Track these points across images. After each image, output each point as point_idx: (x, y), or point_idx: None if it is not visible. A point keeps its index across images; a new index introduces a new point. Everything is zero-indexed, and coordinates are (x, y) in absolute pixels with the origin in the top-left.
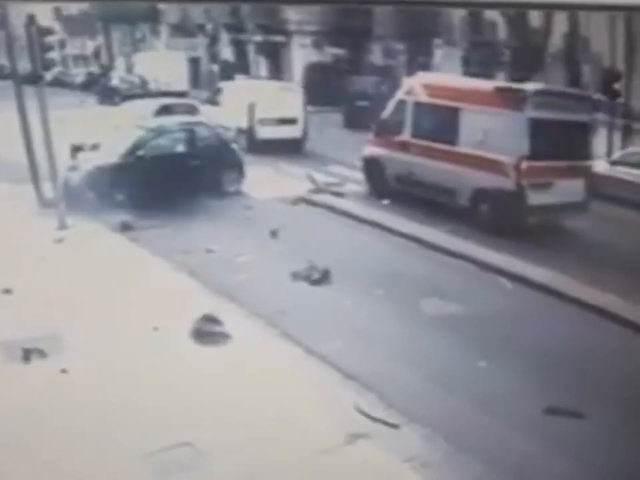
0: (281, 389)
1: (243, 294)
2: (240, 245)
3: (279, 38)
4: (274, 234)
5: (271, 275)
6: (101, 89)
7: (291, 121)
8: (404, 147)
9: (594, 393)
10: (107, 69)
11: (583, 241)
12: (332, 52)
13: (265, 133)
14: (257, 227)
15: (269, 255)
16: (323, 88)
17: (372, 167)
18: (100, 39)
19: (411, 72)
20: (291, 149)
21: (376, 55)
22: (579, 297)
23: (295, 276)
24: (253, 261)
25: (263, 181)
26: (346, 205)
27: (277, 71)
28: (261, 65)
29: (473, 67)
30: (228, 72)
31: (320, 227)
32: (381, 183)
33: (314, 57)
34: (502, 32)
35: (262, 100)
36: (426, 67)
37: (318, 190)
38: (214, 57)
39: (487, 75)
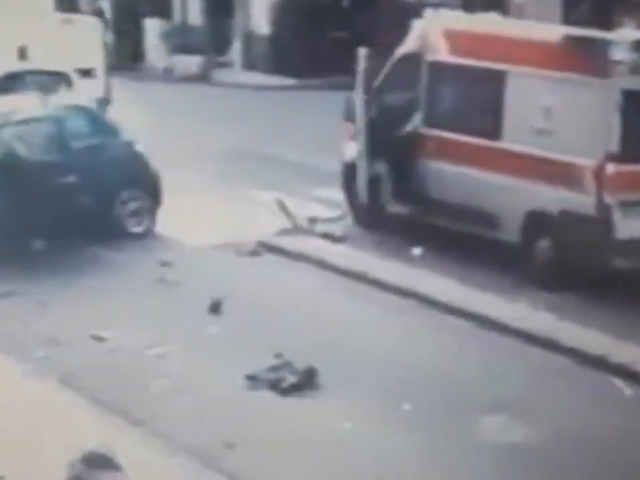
0: None
1: (161, 414)
2: (153, 329)
3: None
4: (215, 308)
5: (211, 379)
6: None
7: (84, 73)
8: (411, 142)
9: None
10: None
11: None
12: None
13: None
14: (184, 295)
15: (206, 344)
16: (305, 45)
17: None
18: None
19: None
20: None
21: None
22: None
23: (254, 380)
24: (178, 356)
25: (194, 212)
26: (345, 256)
27: (222, 11)
28: (191, 1)
29: (580, 11)
30: (130, 12)
31: (298, 294)
32: (372, 204)
33: None
34: None
35: (36, 41)
36: (497, 6)
37: (294, 229)
38: None
39: (606, 24)
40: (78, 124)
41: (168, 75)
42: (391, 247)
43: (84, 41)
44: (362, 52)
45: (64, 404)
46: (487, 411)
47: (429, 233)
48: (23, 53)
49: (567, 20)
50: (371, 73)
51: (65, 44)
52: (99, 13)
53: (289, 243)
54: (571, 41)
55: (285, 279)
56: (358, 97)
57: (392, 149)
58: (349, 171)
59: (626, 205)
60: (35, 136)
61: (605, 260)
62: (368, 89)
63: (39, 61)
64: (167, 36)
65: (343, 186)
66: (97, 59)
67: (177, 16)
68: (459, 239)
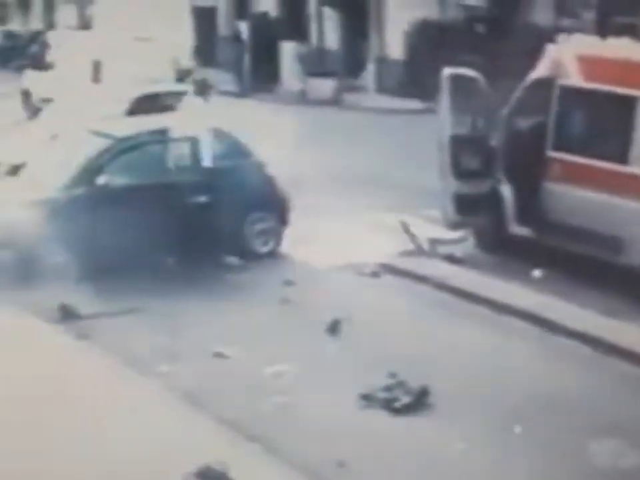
0: None
1: (276, 431)
2: (273, 347)
3: None
4: (334, 328)
5: (326, 398)
6: (33, 62)
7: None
8: (538, 165)
9: None
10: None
11: None
12: (462, 1)
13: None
14: (304, 315)
15: (322, 363)
16: (437, 69)
17: (480, 197)
18: None
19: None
20: None
21: (541, 10)
22: None
23: (368, 400)
24: (295, 375)
25: (317, 234)
26: (465, 278)
27: (357, 36)
28: (327, 23)
29: None
30: (267, 35)
31: (416, 316)
32: (494, 226)
33: (425, 9)
34: None
35: (112, 57)
36: (630, 32)
37: (416, 250)
38: (242, 9)
39: None
40: (213, 144)
41: (302, 98)
42: (513, 270)
43: (158, 57)
44: (446, 72)
45: (183, 418)
46: (603, 435)
47: (551, 256)
48: (96, 67)
49: None
50: (458, 92)
51: (139, 59)
52: (236, 36)
53: (409, 264)
54: None
55: (404, 300)
56: (442, 116)
57: (518, 172)
58: None
59: None
60: (174, 155)
61: None
62: (455, 108)
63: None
64: (302, 59)
65: (460, 205)
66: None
67: (313, 39)
68: (581, 262)
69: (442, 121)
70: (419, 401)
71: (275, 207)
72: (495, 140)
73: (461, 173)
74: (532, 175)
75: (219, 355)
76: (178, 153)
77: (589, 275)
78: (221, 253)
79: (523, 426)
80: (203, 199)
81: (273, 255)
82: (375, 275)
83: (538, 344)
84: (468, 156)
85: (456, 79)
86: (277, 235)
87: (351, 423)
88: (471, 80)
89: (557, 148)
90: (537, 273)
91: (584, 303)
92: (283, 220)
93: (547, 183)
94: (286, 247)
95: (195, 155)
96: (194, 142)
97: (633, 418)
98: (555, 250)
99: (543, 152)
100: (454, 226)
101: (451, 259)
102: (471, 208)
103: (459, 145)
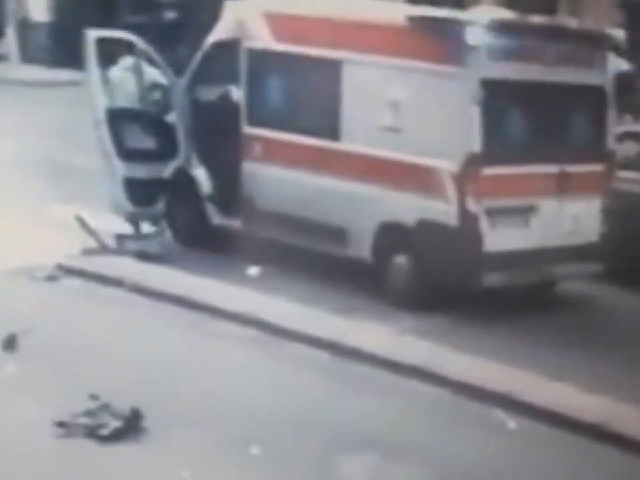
0: None
1: None
2: None
3: None
4: (9, 344)
5: (10, 429)
6: None
7: None
8: (234, 143)
9: None
10: None
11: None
12: None
13: None
14: None
15: (0, 387)
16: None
17: (178, 186)
18: None
19: None
20: None
21: None
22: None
23: (66, 427)
24: None
25: None
26: (164, 277)
27: None
28: None
29: None
30: None
31: (111, 324)
32: (191, 217)
33: None
34: None
35: None
36: None
37: (100, 248)
38: None
39: (459, 2)
40: None
41: None
42: (222, 268)
43: None
44: (91, 35)
45: None
46: (353, 451)
47: (268, 251)
48: None
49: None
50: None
51: None
52: None
53: (92, 265)
54: (417, 22)
55: (92, 307)
56: (92, 87)
57: (212, 152)
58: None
59: (493, 213)
60: None
61: (472, 276)
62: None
63: None
64: None
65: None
66: None
67: None
68: (305, 256)
69: (92, 93)
70: (131, 426)
71: None
72: (174, 115)
73: (129, 153)
74: (229, 156)
75: None
76: None
77: (316, 270)
78: None
79: (260, 446)
80: None
81: None
82: (51, 278)
83: (264, 352)
84: (137, 134)
85: (105, 44)
86: None
87: (46, 459)
88: (127, 44)
89: (254, 123)
90: (252, 270)
91: (311, 303)
92: None
93: (248, 165)
94: None
95: None
96: None
97: (384, 429)
98: (273, 243)
99: (237, 128)
100: (130, 217)
101: (145, 257)
102: (148, 195)
103: (121, 120)
